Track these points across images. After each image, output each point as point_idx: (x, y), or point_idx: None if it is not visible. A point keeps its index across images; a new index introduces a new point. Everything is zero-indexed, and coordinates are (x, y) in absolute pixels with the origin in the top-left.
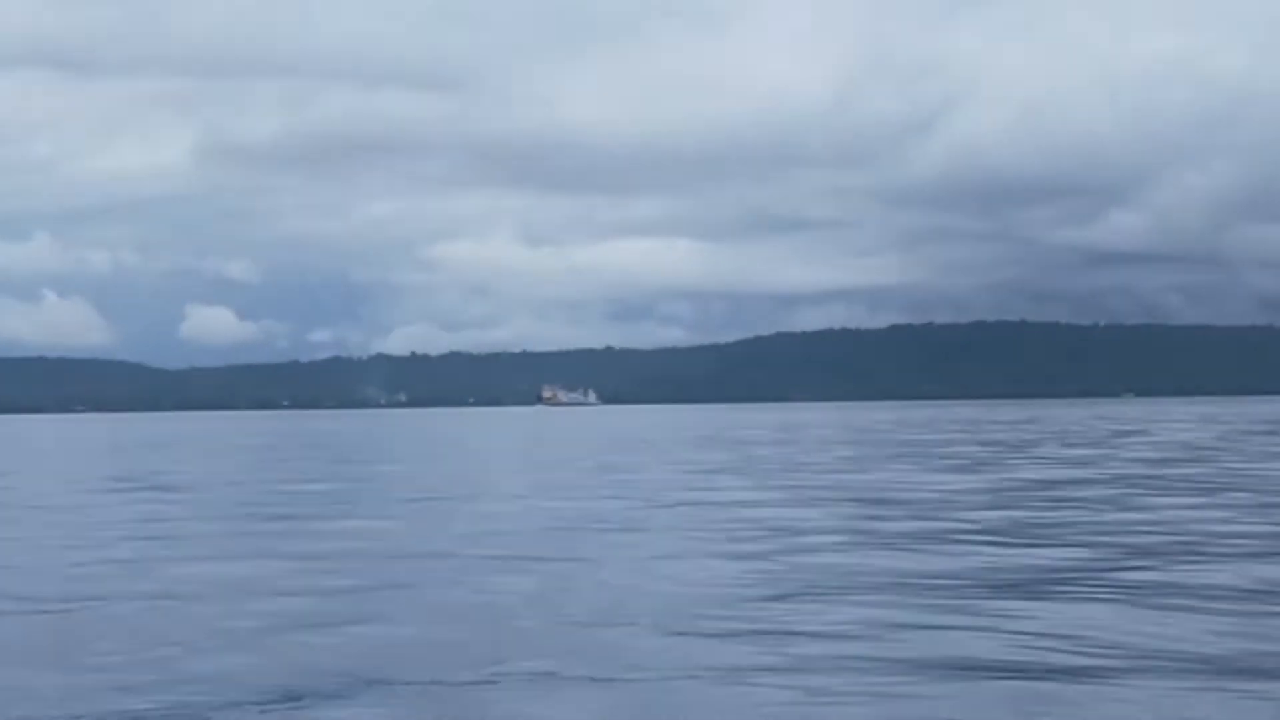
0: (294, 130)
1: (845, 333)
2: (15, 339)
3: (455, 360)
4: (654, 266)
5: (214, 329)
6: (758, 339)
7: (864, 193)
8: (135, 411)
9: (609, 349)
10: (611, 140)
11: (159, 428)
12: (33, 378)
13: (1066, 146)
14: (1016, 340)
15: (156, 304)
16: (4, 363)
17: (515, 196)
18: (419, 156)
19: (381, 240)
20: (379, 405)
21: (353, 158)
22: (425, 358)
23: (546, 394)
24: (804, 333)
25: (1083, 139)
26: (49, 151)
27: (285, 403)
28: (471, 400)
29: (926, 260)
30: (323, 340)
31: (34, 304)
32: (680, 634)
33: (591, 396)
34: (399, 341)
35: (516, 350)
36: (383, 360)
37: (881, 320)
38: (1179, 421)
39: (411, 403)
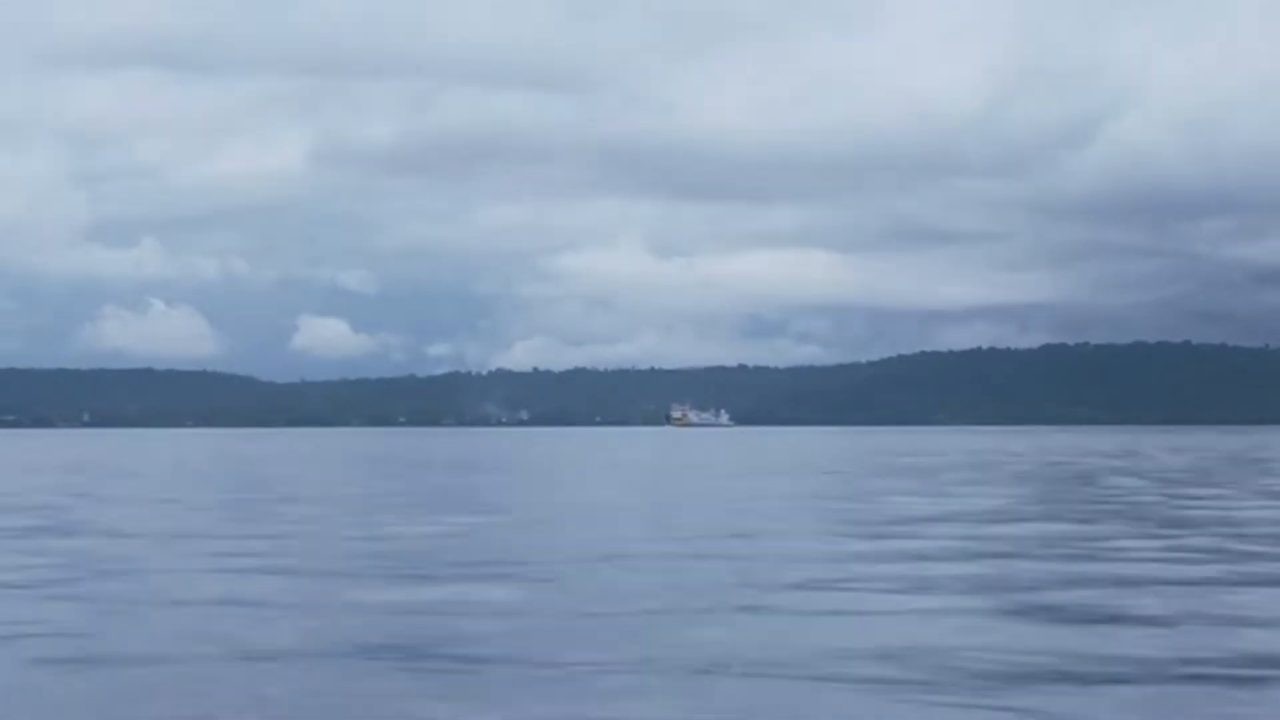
0: (413, 133)
1: (994, 352)
2: (122, 349)
3: (579, 377)
4: (790, 280)
5: (327, 341)
6: (900, 358)
7: (1016, 204)
8: (245, 427)
9: (741, 367)
10: (746, 146)
11: (294, 445)
12: (140, 390)
13: (1235, 157)
14: (1179, 362)
15: (268, 314)
16: (110, 374)
17: (643, 205)
18: (543, 162)
19: (503, 250)
20: (499, 423)
21: (474, 163)
22: (547, 374)
23: (676, 414)
24: (950, 352)
25: (1253, 149)
26: (157, 155)
27: (401, 419)
28: (597, 419)
29: (1082, 276)
30: (441, 354)
31: (141, 313)
32: None
33: (724, 417)
34: (520, 356)
35: (644, 367)
36: (503, 376)
37: (1033, 340)
38: None
39: (533, 420)
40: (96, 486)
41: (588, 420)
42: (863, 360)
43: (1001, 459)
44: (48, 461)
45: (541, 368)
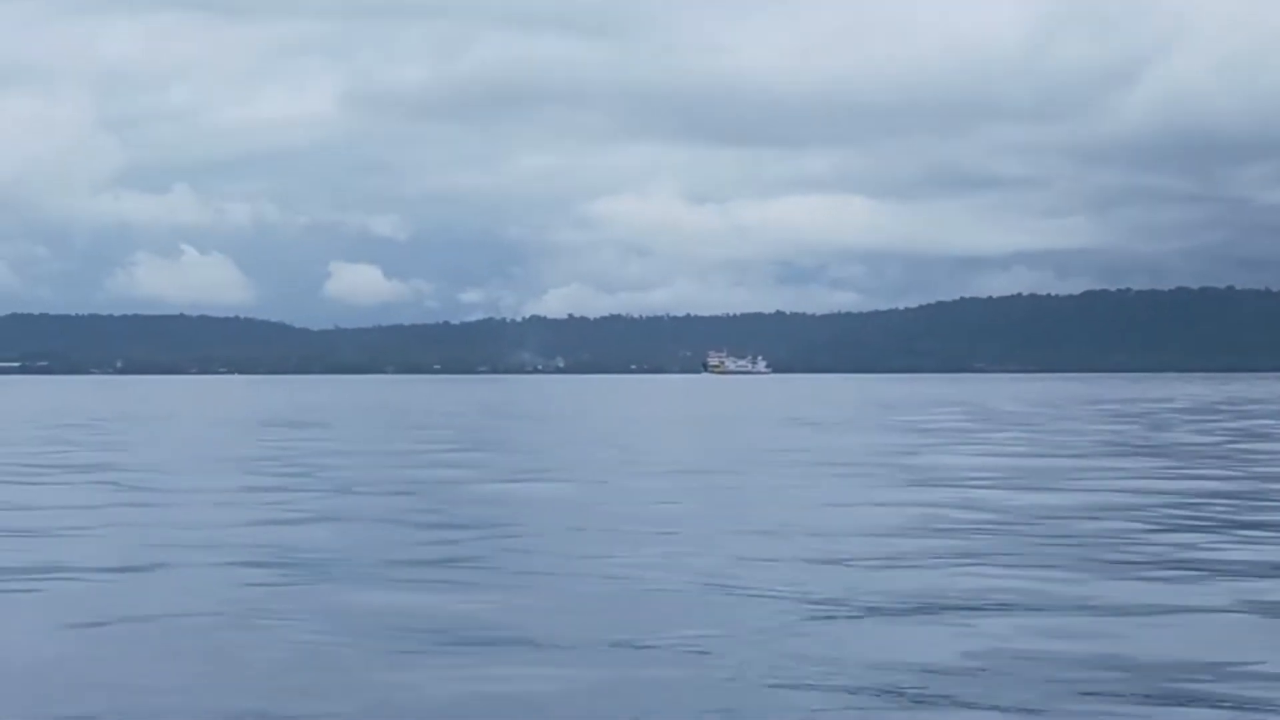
0: (446, 77)
1: (1034, 299)
2: (155, 296)
3: (614, 324)
4: (827, 226)
5: (360, 288)
6: (938, 305)
7: (1057, 148)
8: (279, 374)
9: (778, 314)
10: (783, 90)
11: (341, 393)
12: (173, 337)
13: None
14: (1222, 309)
15: (300, 261)
16: (143, 320)
17: (679, 150)
18: (577, 107)
19: (537, 196)
20: (535, 370)
21: (508, 107)
22: (583, 320)
23: (713, 361)
24: (989, 299)
25: None
26: (188, 99)
27: (436, 366)
28: (633, 367)
29: (1124, 222)
30: (474, 301)
31: (173, 260)
32: None
33: (761, 364)
34: (554, 303)
35: (679, 314)
36: (538, 323)
37: (1073, 286)
38: None
39: (569, 368)
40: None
41: (623, 368)
42: (900, 307)
43: (1082, 407)
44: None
45: (577, 315)
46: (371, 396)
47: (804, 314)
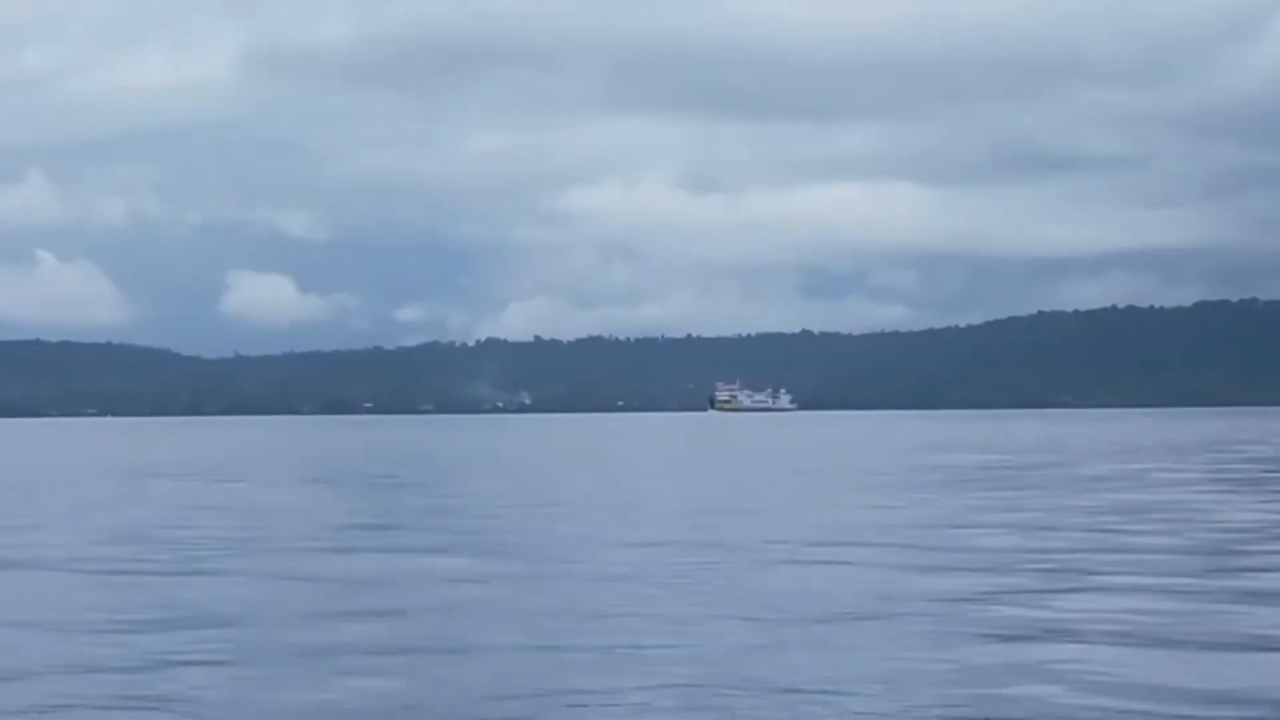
0: (374, 35)
1: (1133, 313)
2: (2, 317)
3: (594, 349)
4: (865, 221)
5: (267, 304)
6: (1010, 321)
7: (1160, 119)
8: (164, 415)
9: (804, 334)
10: (809, 49)
11: (228, 438)
12: (27, 368)
13: None
14: None
15: (190, 271)
16: None
17: (676, 125)
18: (545, 70)
19: (493, 185)
20: (495, 409)
21: (454, 72)
22: (554, 345)
23: (722, 395)
24: (1074, 313)
25: None
26: (45, 63)
27: (367, 405)
28: (620, 404)
29: (1247, 212)
30: (414, 320)
31: (26, 269)
32: None
33: (784, 399)
34: (517, 323)
35: (678, 335)
36: (496, 348)
37: (1183, 295)
38: None
39: (538, 406)
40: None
41: (608, 404)
42: (961, 324)
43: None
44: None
45: (546, 336)
46: (274, 444)
47: (837, 334)
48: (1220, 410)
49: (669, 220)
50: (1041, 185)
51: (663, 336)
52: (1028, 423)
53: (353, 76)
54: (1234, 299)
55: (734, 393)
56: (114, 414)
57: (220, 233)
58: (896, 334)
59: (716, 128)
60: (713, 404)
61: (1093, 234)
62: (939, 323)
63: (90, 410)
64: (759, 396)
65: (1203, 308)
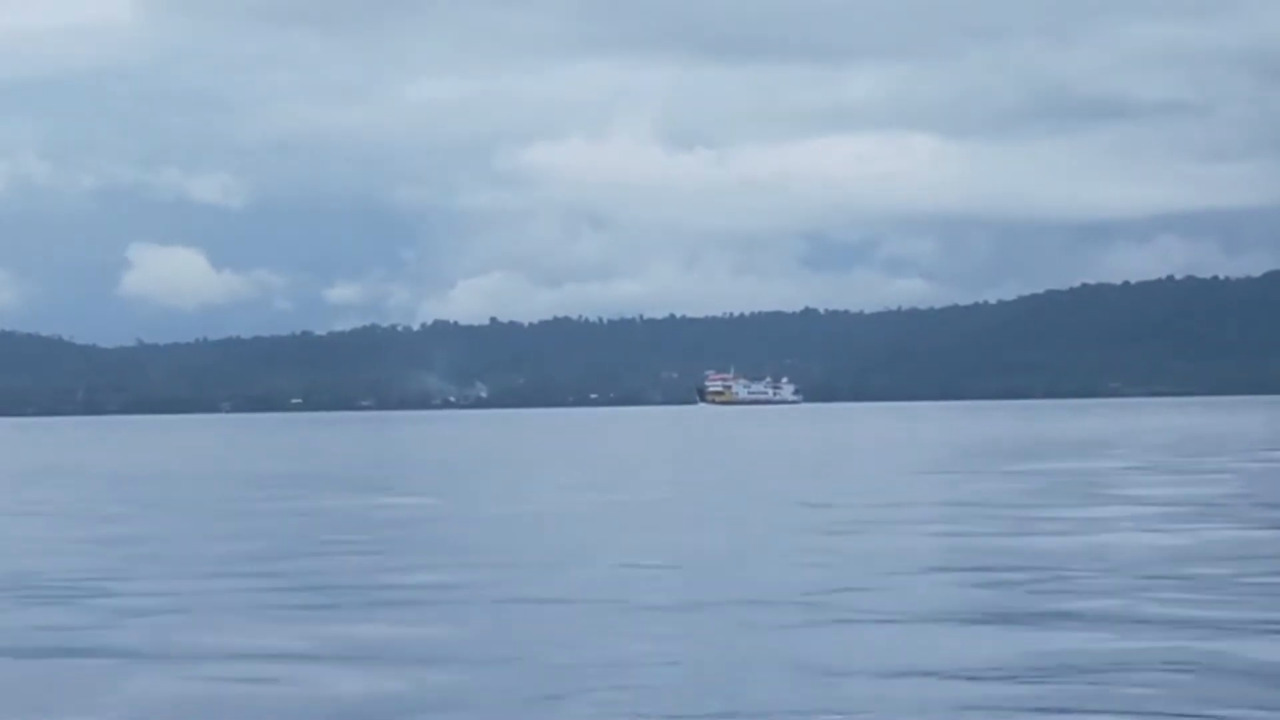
0: None
1: (1192, 284)
2: None
3: (561, 331)
4: (877, 179)
5: (176, 283)
6: (1049, 295)
7: (1222, 59)
8: (56, 414)
9: (808, 312)
10: None
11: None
12: None
13: None
14: None
15: (83, 245)
16: None
17: (654, 69)
18: (500, 6)
19: (439, 140)
20: (446, 404)
21: (393, 9)
22: (514, 328)
23: (714, 385)
24: (1125, 285)
25: None
26: None
27: (295, 400)
28: (594, 397)
29: None
30: (348, 301)
31: None
32: None
33: (786, 389)
34: (469, 302)
35: (659, 315)
36: (446, 332)
37: (1252, 264)
38: None
39: (496, 400)
40: None
41: (579, 397)
42: (992, 300)
43: None
44: None
45: (504, 319)
46: (172, 449)
47: (847, 312)
48: None
49: (647, 181)
50: (1084, 137)
51: (641, 317)
52: (1083, 415)
53: (273, 16)
54: None
55: (727, 383)
56: None
57: (119, 200)
58: (915, 312)
59: (701, 72)
60: (702, 396)
61: (1145, 193)
62: (965, 299)
63: None
64: (757, 387)
65: (1275, 278)
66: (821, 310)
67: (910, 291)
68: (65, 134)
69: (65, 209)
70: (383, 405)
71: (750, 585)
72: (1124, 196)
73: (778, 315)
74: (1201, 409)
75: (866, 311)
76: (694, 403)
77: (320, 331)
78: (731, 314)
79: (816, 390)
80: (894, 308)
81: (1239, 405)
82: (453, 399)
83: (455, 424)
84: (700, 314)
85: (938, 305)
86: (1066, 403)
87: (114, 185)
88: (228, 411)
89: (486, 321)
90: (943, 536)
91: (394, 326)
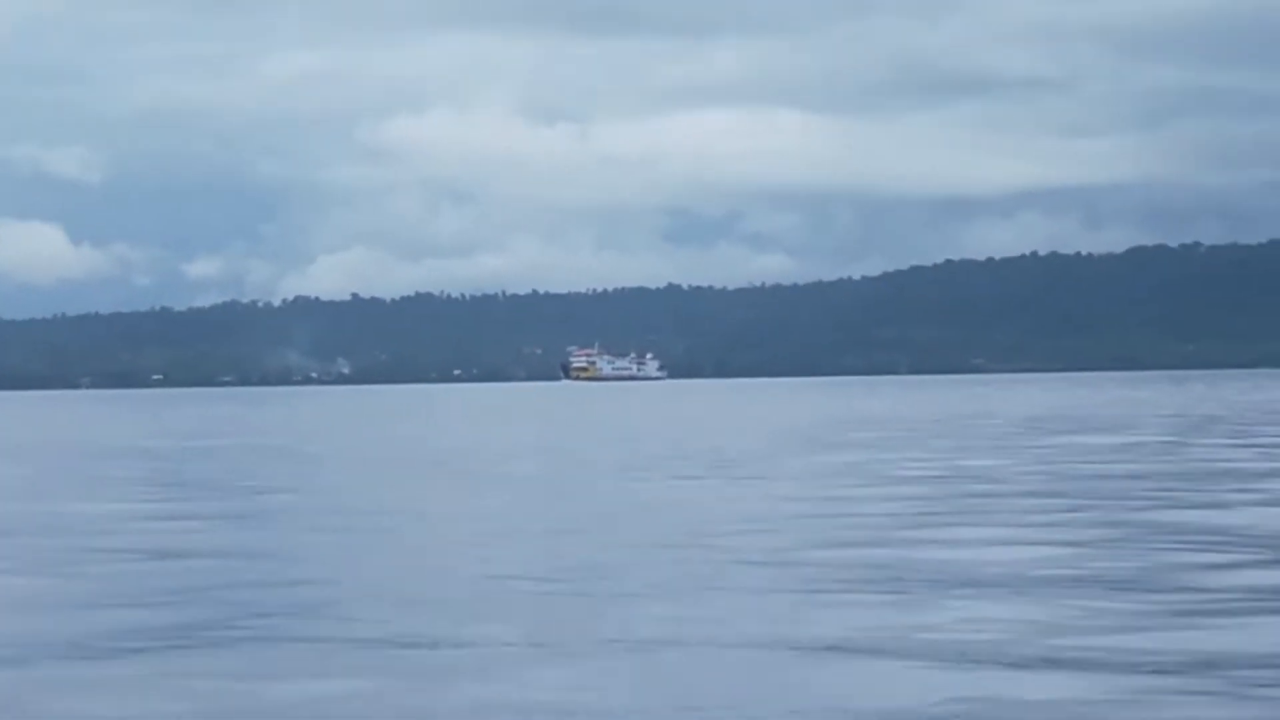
0: None
1: (1056, 261)
2: None
3: (424, 307)
4: (742, 155)
5: (33, 259)
6: (913, 271)
7: (1086, 35)
8: None
9: (671, 288)
10: None
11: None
12: None
13: None
14: None
15: None
16: None
17: (517, 43)
18: None
19: (299, 113)
20: (309, 379)
21: None
22: (376, 303)
23: (578, 361)
24: (988, 260)
25: None
26: None
27: (155, 376)
28: (457, 373)
29: (1186, 142)
30: (208, 276)
31: None
32: None
33: (651, 364)
34: (330, 277)
35: (522, 291)
36: (307, 307)
37: (1114, 240)
38: None
39: (358, 376)
40: None
41: (442, 373)
42: (855, 276)
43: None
44: None
45: (365, 294)
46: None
47: (710, 288)
48: (1160, 374)
49: (509, 156)
50: (948, 112)
51: (504, 293)
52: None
53: None
54: (1173, 244)
55: (591, 358)
56: None
57: None
58: (779, 288)
59: (564, 46)
60: (566, 372)
61: (1008, 169)
62: (828, 275)
63: None
64: (621, 363)
65: (1137, 254)
66: (685, 286)
67: (774, 267)
68: None
69: None
70: (244, 381)
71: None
72: (988, 172)
73: (641, 291)
74: (1063, 386)
75: (730, 288)
76: (558, 379)
77: (180, 307)
78: (595, 290)
79: (680, 367)
80: (758, 284)
81: (1101, 382)
82: (315, 375)
83: (318, 401)
84: (563, 290)
85: (802, 281)
86: (934, 379)
87: None
88: (88, 388)
89: (348, 297)
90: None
91: (254, 302)
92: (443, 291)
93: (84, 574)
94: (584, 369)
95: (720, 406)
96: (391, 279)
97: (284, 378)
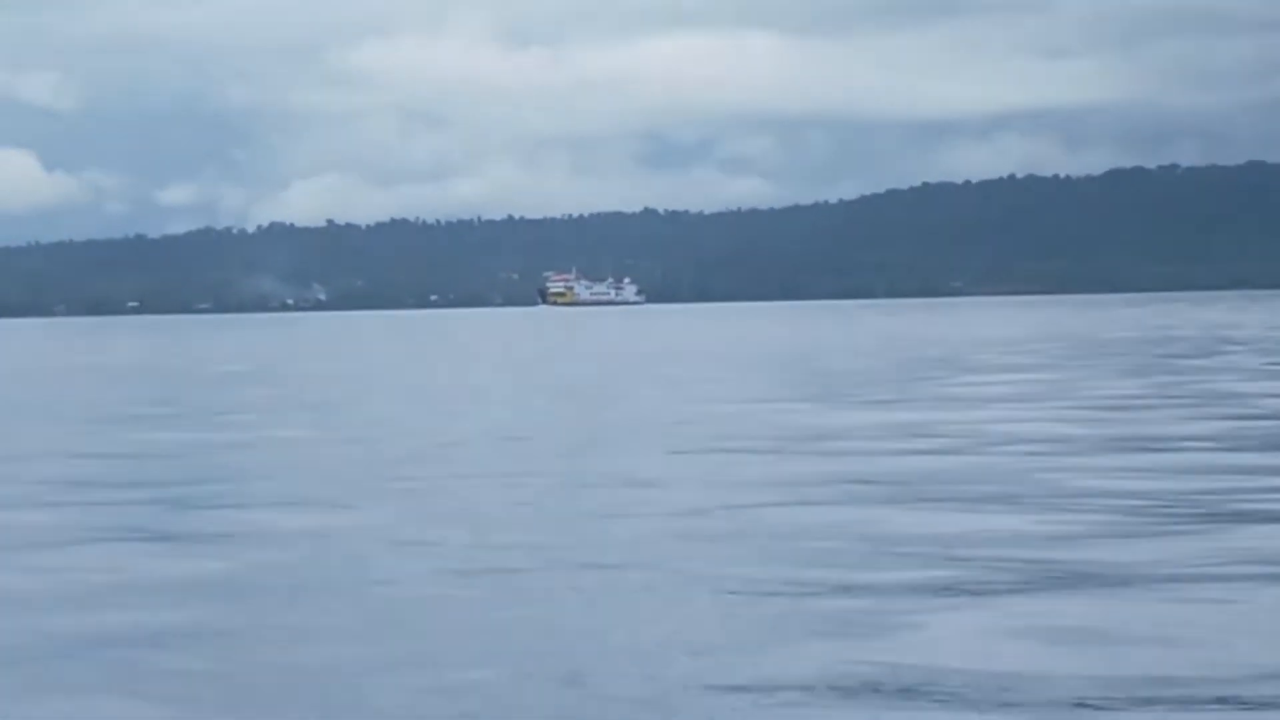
0: None
1: (1033, 182)
2: None
3: (399, 233)
4: (714, 78)
5: (7, 186)
6: (890, 194)
7: None
8: None
9: (647, 212)
10: None
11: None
12: None
13: None
14: None
15: None
16: None
17: None
18: None
19: (270, 39)
20: (284, 306)
21: None
22: (351, 229)
23: (555, 286)
24: (965, 184)
25: None
26: None
27: (131, 303)
28: (434, 298)
29: (1164, 63)
30: (181, 203)
31: None
32: None
33: (629, 289)
34: (304, 204)
35: (497, 216)
36: (282, 233)
37: (1091, 163)
38: None
39: (334, 302)
40: None
41: (418, 299)
42: (832, 199)
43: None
44: None
45: (340, 220)
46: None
47: (687, 212)
48: (1139, 296)
49: (481, 80)
50: (923, 33)
51: (479, 219)
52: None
53: None
54: (1151, 165)
55: (569, 283)
56: None
57: None
58: (755, 212)
59: None
60: (544, 297)
61: (985, 91)
62: (804, 198)
63: None
64: (599, 288)
65: (1115, 176)
66: (661, 211)
67: (749, 191)
68: None
69: None
70: (221, 308)
71: None
72: (964, 94)
73: (617, 216)
74: (1040, 307)
75: (706, 212)
76: (535, 304)
77: (154, 235)
78: (570, 215)
79: (657, 291)
80: (734, 208)
81: (1086, 302)
82: (290, 301)
83: (300, 327)
84: (538, 215)
85: (778, 205)
86: (911, 302)
87: None
88: (63, 315)
89: (323, 223)
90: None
91: (229, 229)
92: (417, 217)
93: None
94: (561, 294)
95: (743, 330)
96: (365, 205)
97: (260, 304)
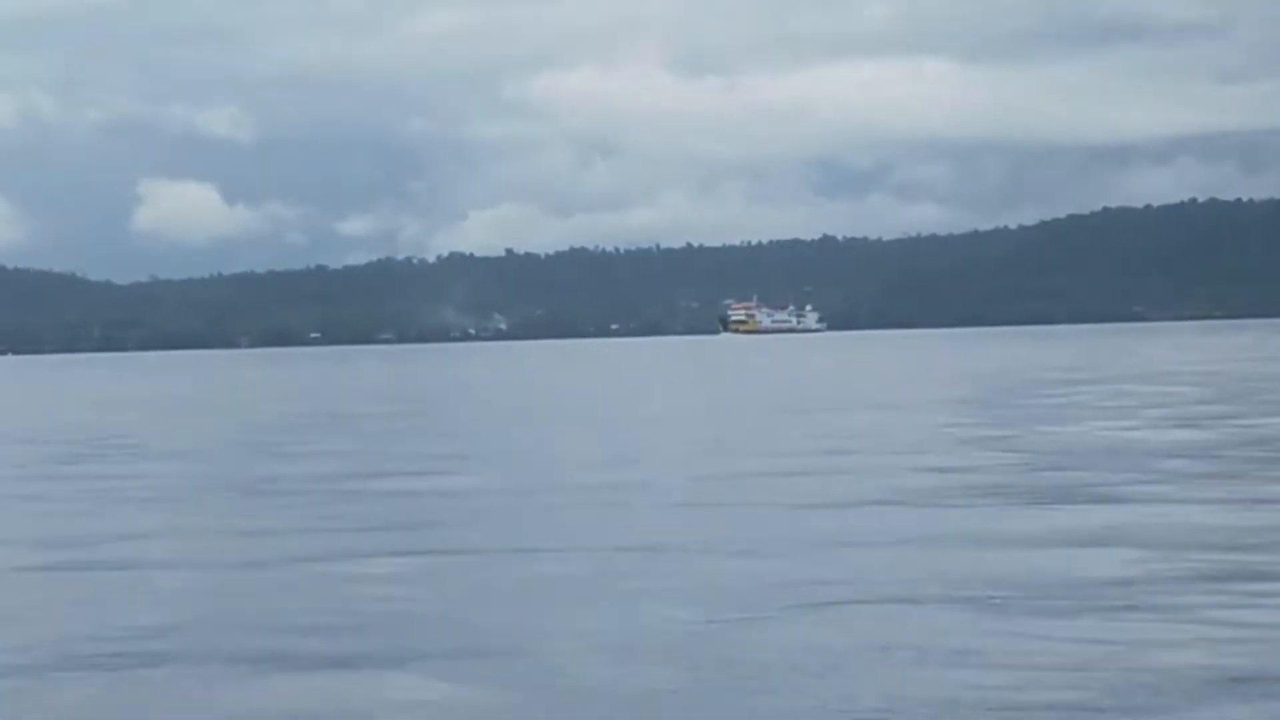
0: None
1: (1215, 206)
2: None
3: (578, 262)
4: (891, 104)
5: (188, 218)
6: (1070, 220)
7: None
8: (72, 352)
9: (826, 239)
10: None
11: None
12: None
13: None
14: None
15: (94, 180)
16: None
17: None
18: None
19: (448, 70)
20: (467, 336)
21: None
22: (530, 259)
23: (737, 314)
24: (1146, 208)
25: None
26: None
27: (313, 334)
28: (615, 327)
29: None
30: (360, 233)
31: None
32: None
33: (810, 316)
34: (482, 233)
35: (675, 244)
36: (461, 263)
37: (1273, 185)
38: None
39: (516, 332)
40: None
41: (599, 328)
42: (1011, 225)
43: None
44: None
45: (519, 250)
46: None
47: (865, 239)
48: None
49: (657, 109)
50: (1101, 58)
51: (658, 247)
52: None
53: None
54: None
55: (750, 311)
56: (15, 352)
57: (128, 135)
58: (935, 238)
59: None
60: (725, 325)
61: (1163, 115)
62: (983, 224)
63: None
64: (780, 315)
65: None
66: (840, 238)
67: (926, 217)
68: (72, 69)
69: (73, 145)
70: (402, 339)
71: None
72: (1142, 118)
73: (795, 243)
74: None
75: (885, 238)
76: (716, 332)
77: (334, 265)
78: (748, 242)
79: (838, 318)
80: (912, 234)
81: (1263, 328)
82: (472, 331)
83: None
84: (717, 243)
85: (957, 231)
86: (1090, 328)
87: (122, 120)
88: (247, 346)
89: (502, 253)
90: None
91: (409, 259)
92: (596, 246)
93: None
94: (743, 322)
95: (977, 357)
96: (544, 234)
97: (441, 334)
